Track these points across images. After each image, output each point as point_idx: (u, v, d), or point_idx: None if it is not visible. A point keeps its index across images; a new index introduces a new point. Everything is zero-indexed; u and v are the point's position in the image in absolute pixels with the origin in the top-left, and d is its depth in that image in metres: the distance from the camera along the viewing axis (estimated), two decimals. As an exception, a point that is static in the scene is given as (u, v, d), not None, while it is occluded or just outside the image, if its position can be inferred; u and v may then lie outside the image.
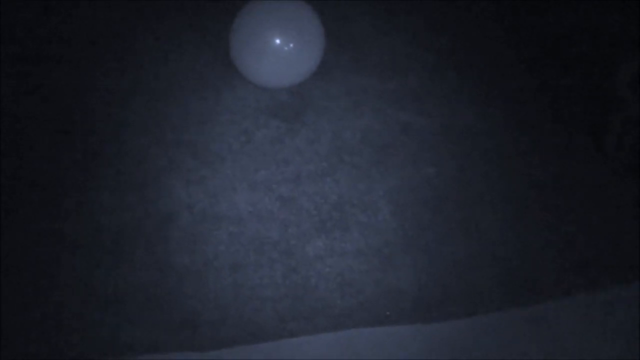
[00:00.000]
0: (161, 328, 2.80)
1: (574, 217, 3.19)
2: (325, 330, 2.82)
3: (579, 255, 3.07)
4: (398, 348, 2.77)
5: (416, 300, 2.90)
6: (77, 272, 2.92)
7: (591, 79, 3.57)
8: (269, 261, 3.01)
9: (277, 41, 3.38)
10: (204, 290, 2.92)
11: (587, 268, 3.03)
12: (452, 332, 2.81)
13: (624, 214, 3.20)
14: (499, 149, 3.40)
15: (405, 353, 2.75)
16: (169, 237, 3.05)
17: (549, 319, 2.88)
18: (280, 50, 3.40)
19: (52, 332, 2.75)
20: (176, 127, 3.43)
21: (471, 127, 3.48)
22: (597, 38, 3.66)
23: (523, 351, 2.78)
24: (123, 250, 2.99)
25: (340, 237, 3.08)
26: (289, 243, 3.06)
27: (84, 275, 2.91)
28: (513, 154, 3.39)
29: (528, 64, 3.72)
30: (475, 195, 3.25)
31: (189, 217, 3.11)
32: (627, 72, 3.30)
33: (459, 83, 3.63)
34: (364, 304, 2.89)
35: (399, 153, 3.39)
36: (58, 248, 2.98)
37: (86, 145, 3.33)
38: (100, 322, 2.79)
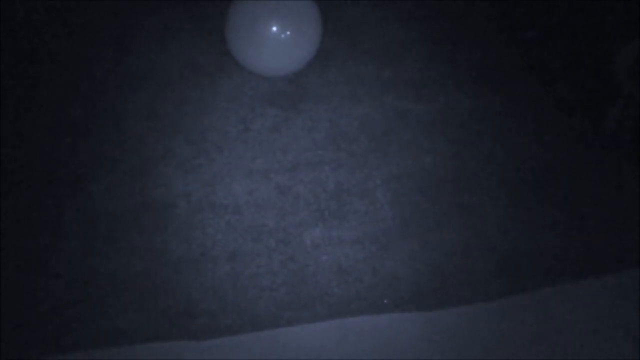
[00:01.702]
0: (158, 317, 2.80)
1: (573, 203, 3.18)
2: (323, 318, 2.82)
3: (578, 241, 3.06)
4: (396, 335, 2.77)
5: (413, 288, 2.90)
6: (73, 261, 2.91)
7: (590, 63, 3.56)
8: (267, 250, 3.00)
9: (274, 29, 3.36)
10: (201, 279, 2.91)
11: (587, 254, 3.02)
12: (450, 319, 2.81)
13: (624, 199, 3.20)
14: (497, 136, 3.39)
15: (403, 340, 2.75)
16: (166, 226, 3.05)
17: (548, 305, 2.87)
18: (277, 38, 3.39)
19: (49, 321, 2.75)
20: (173, 116, 3.42)
21: (469, 114, 3.47)
22: (595, 22, 3.64)
23: (521, 338, 2.78)
24: (120, 240, 2.98)
25: (338, 225, 3.07)
26: (286, 232, 3.06)
27: (81, 265, 2.90)
28: (511, 140, 3.38)
29: (525, 49, 3.70)
30: (473, 182, 3.24)
31: (186, 206, 3.10)
32: (626, 57, 3.27)
33: (457, 70, 3.62)
34: (361, 292, 2.89)
35: (396, 141, 3.38)
36: (55, 237, 2.98)
37: (82, 134, 3.32)
38: (97, 311, 2.78)
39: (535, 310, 2.86)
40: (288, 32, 3.37)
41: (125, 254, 2.95)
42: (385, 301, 2.87)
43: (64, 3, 3.74)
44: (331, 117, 3.45)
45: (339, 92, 3.55)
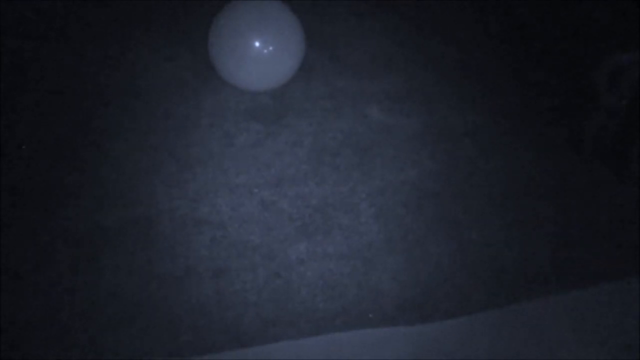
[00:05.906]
0: (142, 334, 2.77)
1: (557, 215, 3.19)
2: (308, 334, 2.80)
3: (563, 254, 3.07)
4: (382, 350, 2.76)
5: (399, 303, 2.89)
6: (55, 278, 2.88)
7: (573, 77, 3.58)
8: (252, 266, 2.99)
9: (257, 44, 3.37)
10: (186, 296, 2.89)
11: (573, 266, 3.03)
12: (436, 333, 2.81)
13: (607, 210, 3.21)
14: (481, 149, 3.41)
15: (389, 355, 2.74)
16: (150, 242, 3.02)
17: (534, 318, 2.88)
18: (260, 53, 3.39)
19: (29, 340, 2.72)
20: (156, 131, 3.40)
21: (453, 128, 3.48)
22: (578, 36, 3.67)
23: (507, 352, 2.77)
24: (103, 256, 2.96)
25: (323, 240, 3.07)
26: (271, 247, 3.04)
27: (64, 282, 2.87)
28: (495, 153, 3.40)
29: (509, 63, 3.73)
30: (458, 195, 3.25)
31: (170, 222, 3.08)
32: (605, 70, 3.30)
33: (440, 83, 3.64)
34: (346, 307, 2.88)
35: (380, 154, 3.38)
36: (37, 254, 2.94)
37: (65, 150, 3.30)
38: (80, 329, 2.75)
39: (521, 324, 2.86)
40: (271, 47, 3.38)
41: (108, 271, 2.92)
42: (370, 316, 2.86)
43: (48, 22, 3.74)
44: (315, 131, 3.45)
45: (322, 107, 3.55)
